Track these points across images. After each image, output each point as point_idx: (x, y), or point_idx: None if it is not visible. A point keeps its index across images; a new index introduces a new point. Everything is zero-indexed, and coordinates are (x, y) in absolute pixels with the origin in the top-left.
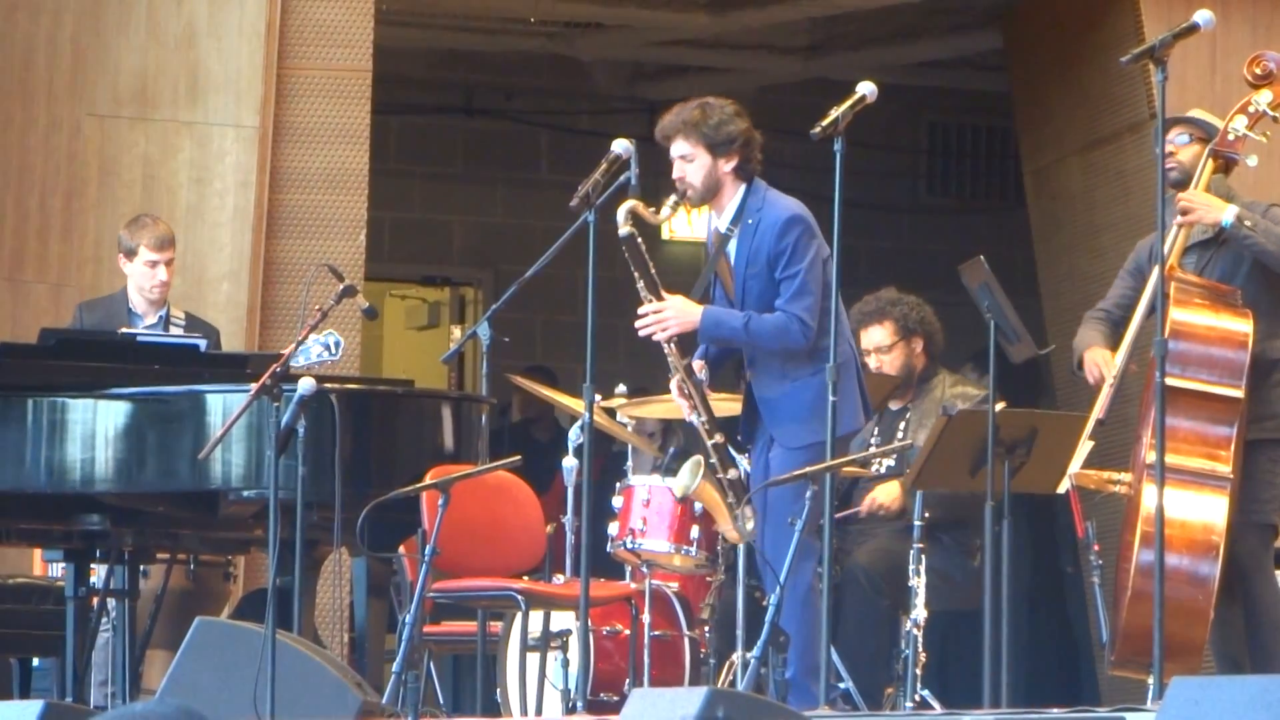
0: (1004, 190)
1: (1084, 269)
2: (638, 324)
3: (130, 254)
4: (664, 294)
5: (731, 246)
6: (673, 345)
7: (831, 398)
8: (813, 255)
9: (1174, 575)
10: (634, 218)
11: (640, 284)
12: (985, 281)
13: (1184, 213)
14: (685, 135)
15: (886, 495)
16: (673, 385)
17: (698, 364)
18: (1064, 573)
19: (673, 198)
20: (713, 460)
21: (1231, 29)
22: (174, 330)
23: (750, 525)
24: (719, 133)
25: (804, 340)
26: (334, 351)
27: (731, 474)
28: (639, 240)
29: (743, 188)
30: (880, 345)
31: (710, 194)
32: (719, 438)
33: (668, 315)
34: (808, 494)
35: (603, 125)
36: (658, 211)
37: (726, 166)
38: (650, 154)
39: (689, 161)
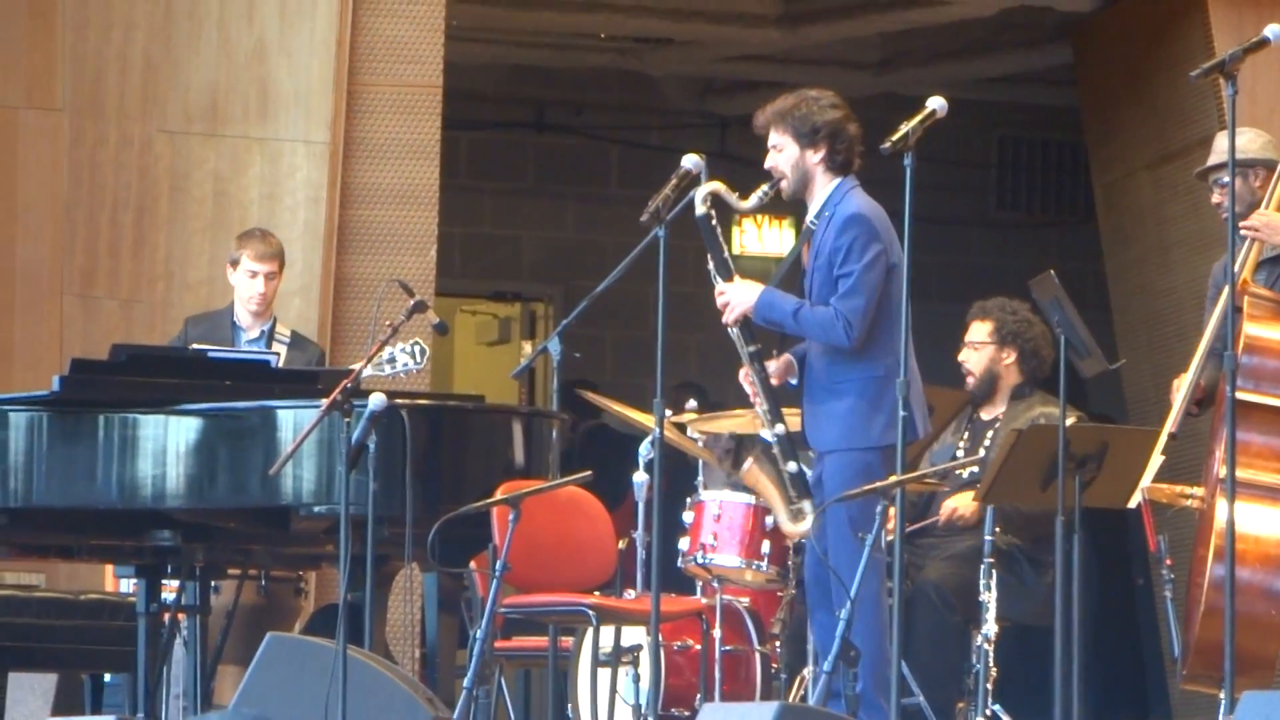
0: (1074, 205)
1: (1154, 284)
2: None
3: (234, 264)
4: (734, 275)
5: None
6: (739, 331)
7: (902, 412)
8: (870, 258)
9: (1247, 590)
10: (714, 199)
11: (710, 265)
12: (1056, 296)
13: (1251, 230)
14: (776, 125)
15: (965, 505)
16: (741, 372)
17: (784, 359)
18: (1135, 586)
19: (765, 186)
20: (774, 450)
21: None
22: (277, 346)
23: (804, 522)
24: (805, 123)
25: (846, 340)
26: (419, 360)
27: (791, 466)
28: (713, 222)
29: (835, 182)
30: (974, 340)
31: (801, 186)
32: (780, 428)
33: (729, 297)
34: (878, 508)
35: (673, 140)
36: (744, 197)
37: (814, 158)
38: (720, 169)
39: (779, 151)
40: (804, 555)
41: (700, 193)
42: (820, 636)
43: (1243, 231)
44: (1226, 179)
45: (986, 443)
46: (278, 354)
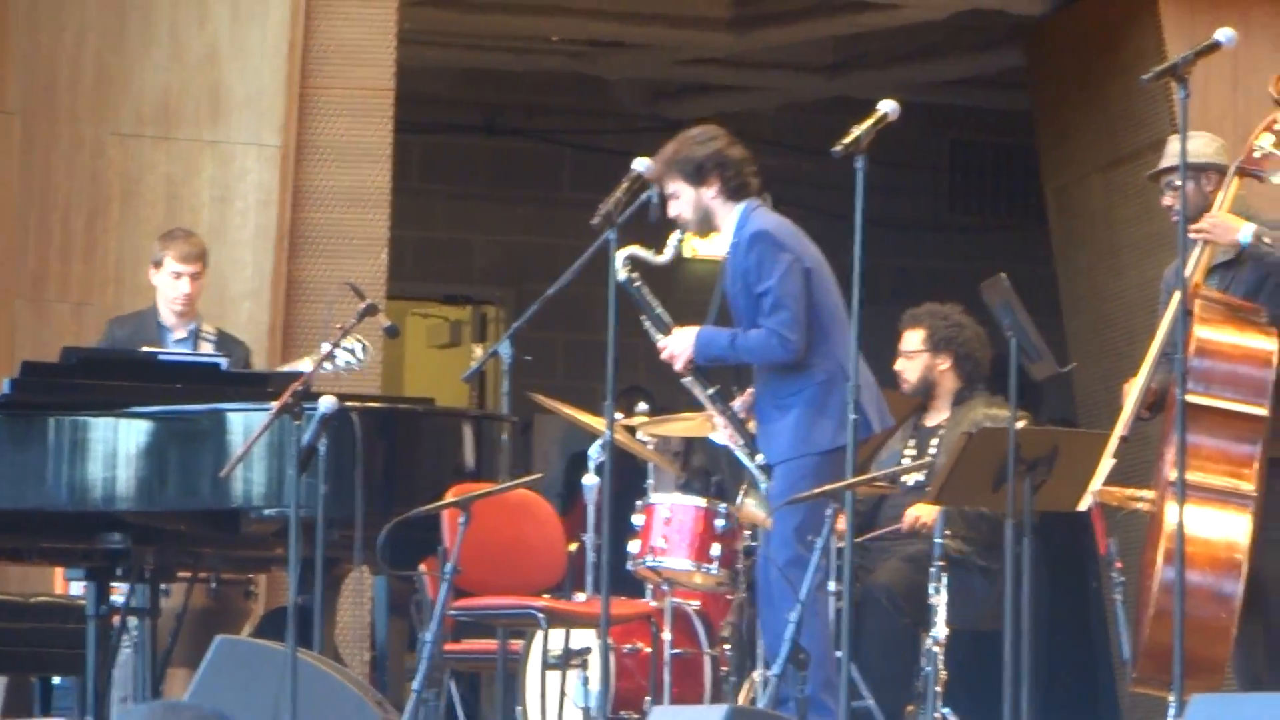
0: (1026, 208)
1: (1105, 287)
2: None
3: (158, 264)
4: (671, 329)
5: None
6: (693, 379)
7: (852, 415)
8: (783, 270)
9: (1196, 593)
10: (632, 262)
11: (647, 324)
12: (1007, 299)
13: (1199, 233)
14: (666, 175)
15: (929, 514)
16: (715, 421)
17: (748, 394)
18: (1090, 587)
19: (676, 234)
20: (760, 483)
21: (1253, 46)
22: (204, 346)
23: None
24: (690, 163)
25: (786, 354)
26: (360, 356)
27: None
28: (636, 284)
29: (739, 208)
30: (906, 350)
31: (705, 222)
32: (761, 458)
33: (671, 349)
34: (827, 511)
35: (625, 144)
36: (659, 252)
37: (709, 193)
38: None
39: (677, 198)
40: (756, 560)
41: (619, 259)
42: (770, 643)
43: (1192, 234)
44: (1179, 182)
45: (932, 449)
46: (227, 356)
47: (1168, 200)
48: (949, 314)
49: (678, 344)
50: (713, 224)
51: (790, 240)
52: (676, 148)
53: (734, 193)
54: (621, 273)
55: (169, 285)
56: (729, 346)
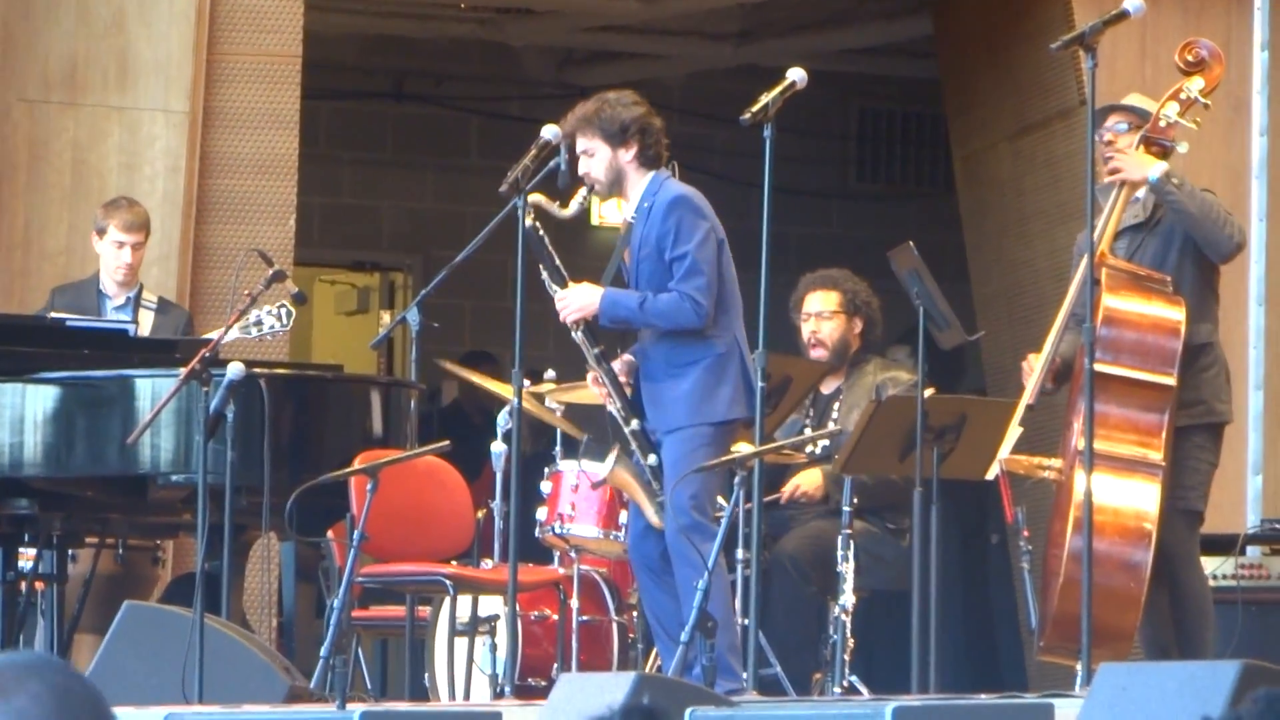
0: (934, 176)
1: (1013, 255)
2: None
3: (101, 233)
4: (568, 282)
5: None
6: (581, 334)
7: (759, 384)
8: (701, 237)
9: (1106, 561)
10: (536, 211)
11: (545, 275)
12: (914, 267)
13: (1113, 172)
14: (582, 130)
15: (809, 482)
16: (589, 377)
17: (626, 359)
18: (989, 544)
19: (581, 192)
20: (631, 446)
21: (1161, 15)
22: (144, 313)
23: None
24: (613, 123)
25: (697, 319)
26: (285, 322)
27: (652, 460)
28: (540, 233)
29: (649, 176)
30: (823, 311)
31: (615, 185)
32: (636, 423)
33: (569, 302)
34: (736, 479)
35: (533, 111)
36: (564, 205)
37: (626, 156)
38: None
39: (590, 156)
40: (628, 532)
41: (523, 207)
42: (656, 613)
43: (1108, 178)
44: (1123, 125)
45: (834, 416)
46: (137, 323)
47: (1109, 138)
48: (856, 280)
49: (579, 299)
50: (621, 188)
51: (706, 210)
52: (598, 107)
53: (649, 160)
54: (526, 220)
55: (111, 254)
56: (637, 309)
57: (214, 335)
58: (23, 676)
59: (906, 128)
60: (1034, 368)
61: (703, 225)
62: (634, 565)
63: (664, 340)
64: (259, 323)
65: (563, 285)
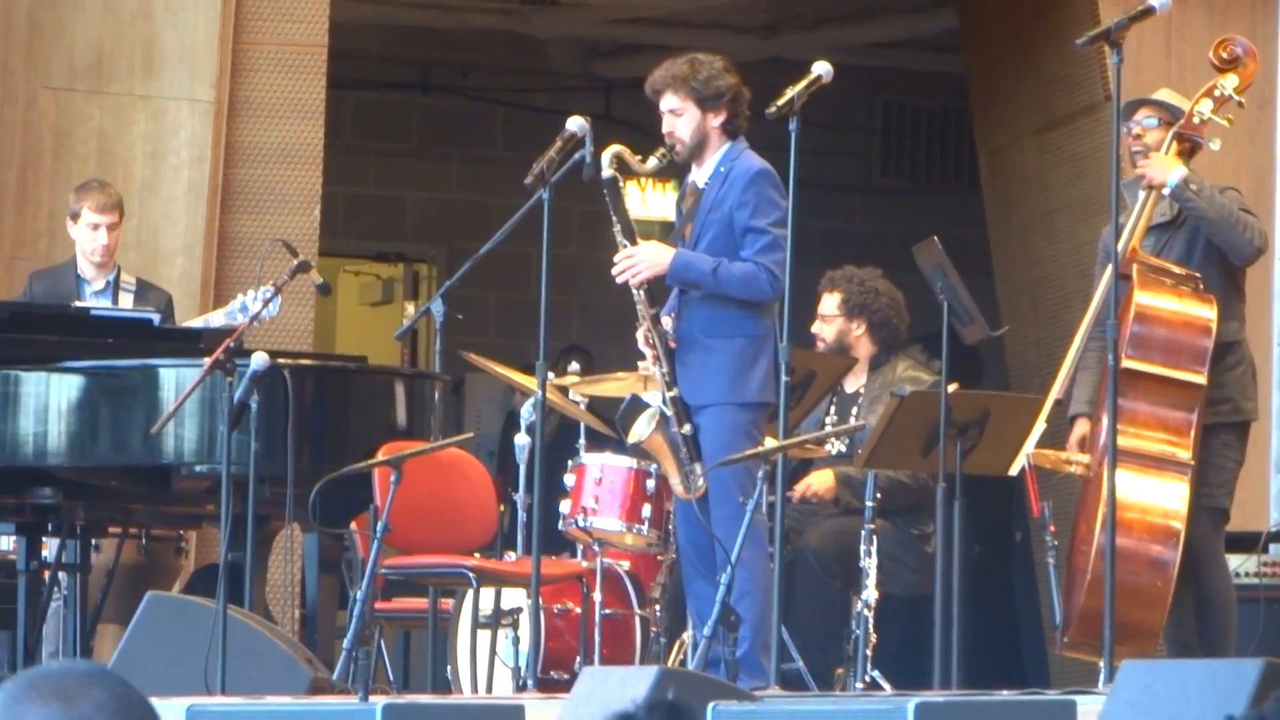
0: (958, 171)
1: (1038, 251)
2: (614, 270)
3: (75, 216)
4: (638, 239)
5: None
6: (643, 293)
7: (785, 378)
8: (781, 214)
9: (1134, 559)
10: (618, 161)
11: (616, 228)
12: (939, 263)
13: (1141, 175)
14: (675, 89)
15: (820, 483)
16: (639, 334)
17: (666, 319)
18: (1012, 541)
19: (661, 150)
20: (669, 413)
21: (1187, 12)
22: (123, 295)
23: (701, 483)
24: (708, 87)
25: (770, 292)
26: (270, 308)
27: (686, 429)
28: (620, 183)
29: (727, 144)
30: (823, 313)
31: (698, 149)
32: (675, 391)
33: (639, 259)
34: (759, 472)
35: (558, 103)
36: (644, 160)
37: (715, 121)
38: (604, 131)
39: (678, 116)
40: (677, 522)
41: (605, 156)
42: (697, 607)
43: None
44: (1153, 121)
45: (854, 414)
46: (148, 304)
47: (1137, 131)
48: (865, 279)
49: (651, 256)
50: (701, 153)
51: (783, 188)
52: (693, 69)
53: (732, 131)
54: (607, 169)
55: (87, 237)
56: (710, 274)
57: (218, 322)
58: (87, 684)
59: (931, 122)
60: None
61: (782, 204)
62: (683, 557)
63: (706, 304)
64: (244, 309)
65: (632, 241)
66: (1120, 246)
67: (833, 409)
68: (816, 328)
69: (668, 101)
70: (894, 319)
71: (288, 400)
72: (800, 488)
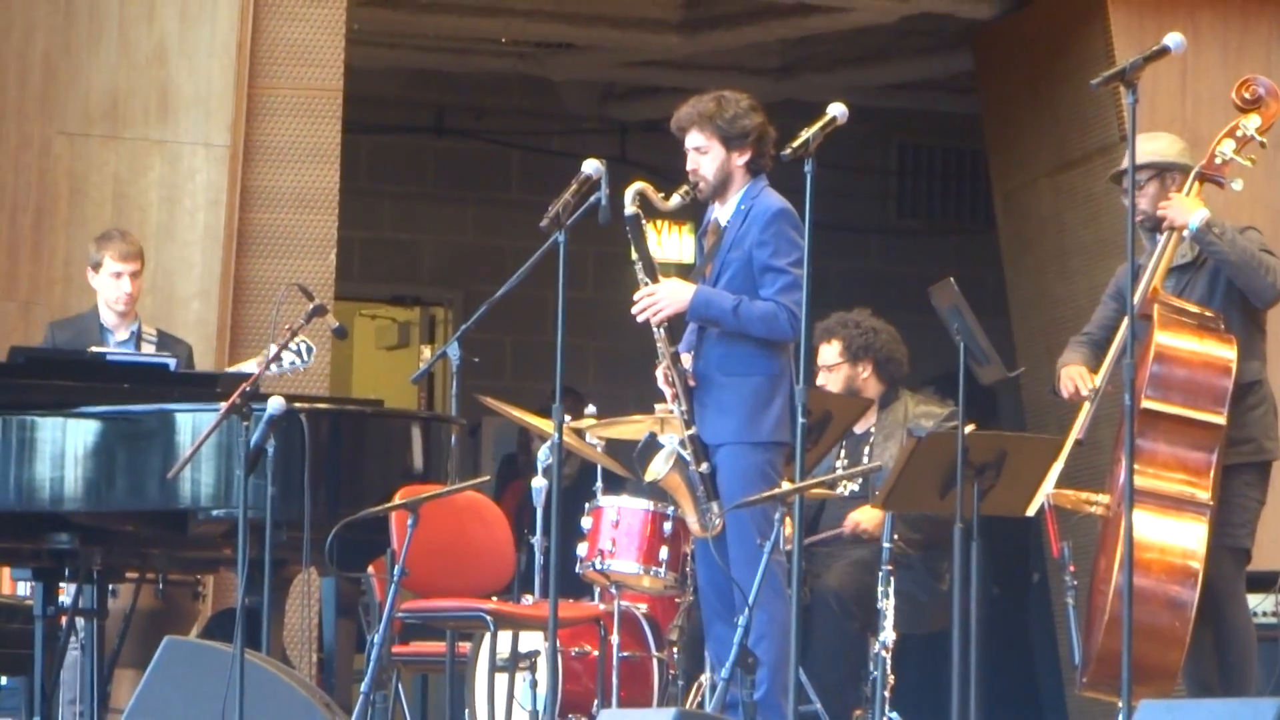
0: (974, 212)
1: (1053, 291)
2: (634, 308)
3: (96, 266)
4: (659, 277)
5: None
6: (663, 331)
7: (801, 420)
8: (801, 254)
9: (1152, 600)
10: (641, 199)
11: (638, 265)
12: (955, 303)
13: (1164, 217)
14: (700, 127)
15: (869, 519)
16: (659, 372)
17: (685, 356)
18: (1029, 582)
19: (684, 187)
20: (685, 454)
21: (1202, 51)
22: (146, 347)
23: (719, 522)
24: (734, 126)
25: (791, 332)
26: (305, 358)
27: (704, 467)
28: (643, 221)
29: (749, 182)
30: (826, 363)
31: (721, 187)
32: (694, 430)
33: (660, 297)
34: (776, 514)
35: (573, 146)
36: (667, 198)
37: (739, 160)
38: (619, 174)
39: (703, 154)
40: (696, 563)
41: (629, 193)
42: (716, 649)
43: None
44: (1141, 180)
45: (866, 454)
46: (177, 358)
47: (1128, 201)
48: (860, 320)
49: (672, 294)
50: (725, 191)
51: (802, 228)
52: (719, 107)
53: (757, 170)
54: (630, 207)
55: (110, 286)
56: (731, 311)
57: (252, 370)
58: None
59: (947, 163)
60: (1075, 380)
61: (801, 244)
62: (703, 599)
63: (723, 342)
64: (278, 360)
65: (654, 279)
66: (1141, 288)
67: (843, 451)
68: (821, 379)
69: (693, 139)
70: (897, 353)
71: (304, 444)
72: (849, 523)
